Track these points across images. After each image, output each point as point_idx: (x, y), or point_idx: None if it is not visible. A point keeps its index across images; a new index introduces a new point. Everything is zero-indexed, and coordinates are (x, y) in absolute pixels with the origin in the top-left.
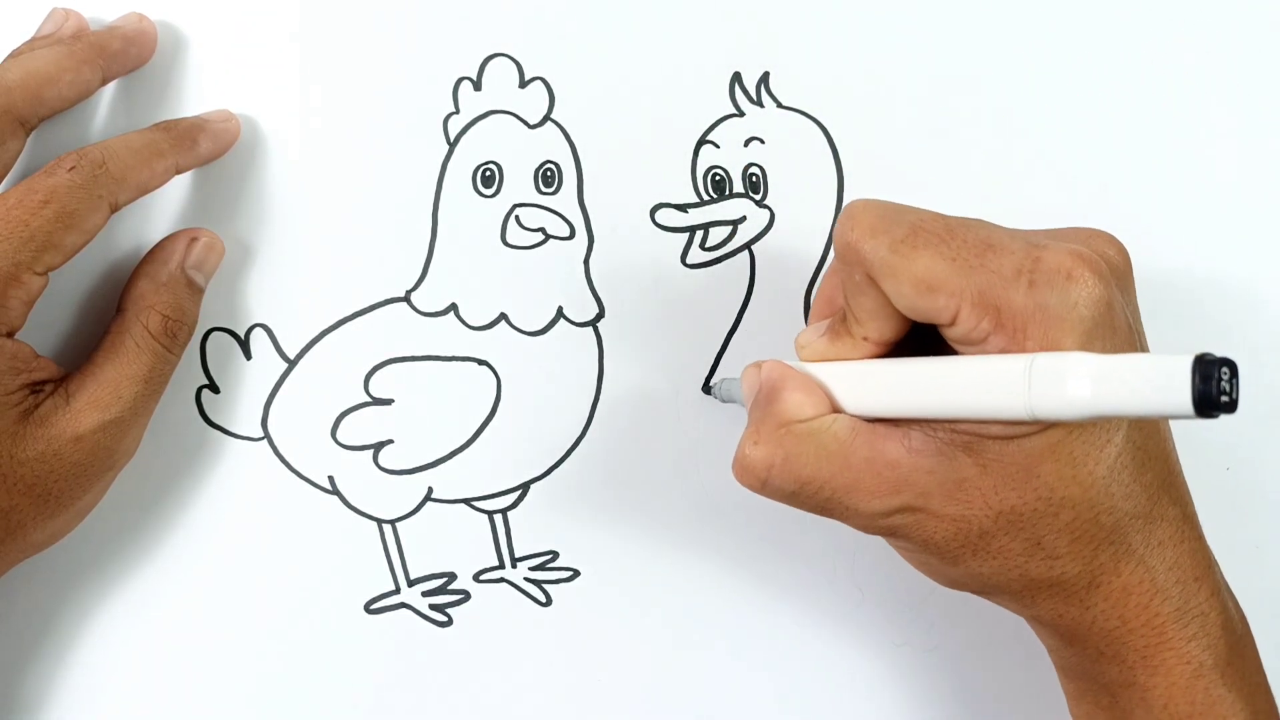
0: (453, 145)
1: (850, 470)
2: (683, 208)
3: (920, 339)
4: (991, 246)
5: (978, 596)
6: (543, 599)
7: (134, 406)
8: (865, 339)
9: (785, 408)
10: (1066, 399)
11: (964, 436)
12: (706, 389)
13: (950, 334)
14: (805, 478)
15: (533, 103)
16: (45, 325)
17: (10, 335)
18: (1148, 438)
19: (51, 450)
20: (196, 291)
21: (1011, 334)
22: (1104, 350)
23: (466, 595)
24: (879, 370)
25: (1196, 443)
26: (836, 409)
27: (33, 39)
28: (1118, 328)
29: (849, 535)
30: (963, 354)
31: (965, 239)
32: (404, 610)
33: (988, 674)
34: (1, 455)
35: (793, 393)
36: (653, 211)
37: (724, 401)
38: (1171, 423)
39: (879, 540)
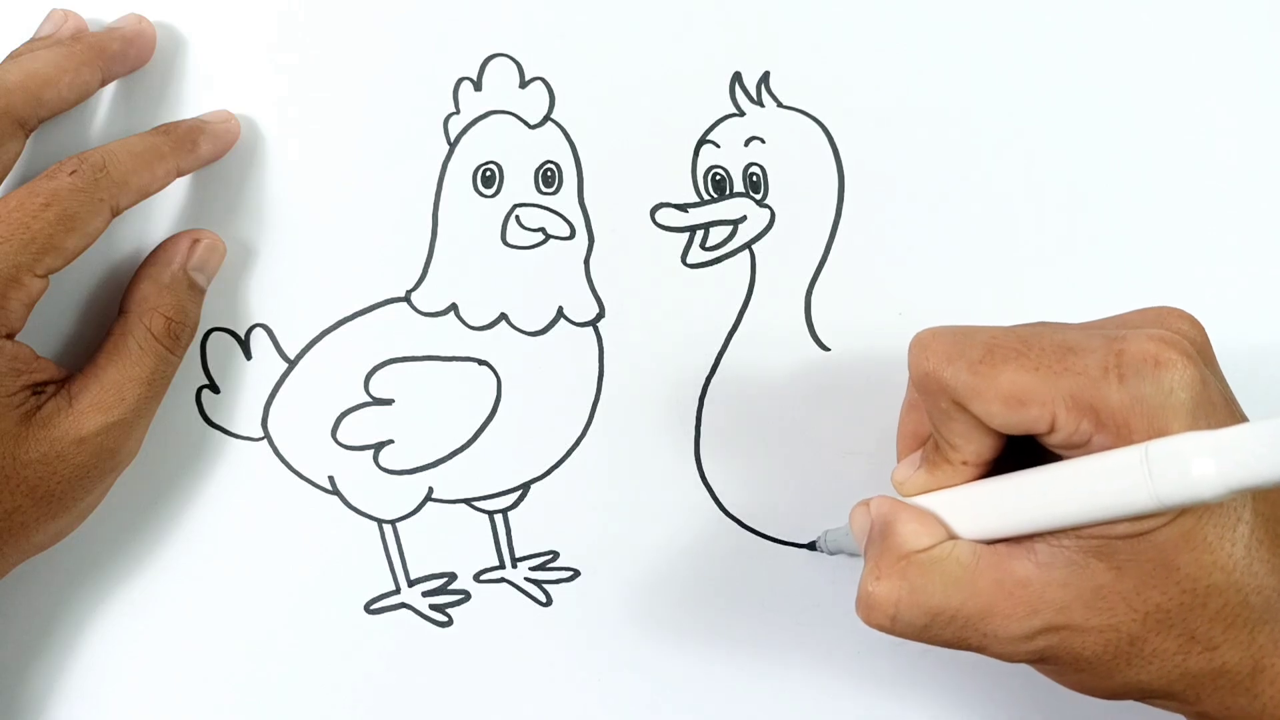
0: (453, 145)
1: (980, 595)
2: (683, 207)
3: (1020, 450)
4: (1071, 349)
5: (1141, 703)
6: (543, 599)
7: (137, 408)
8: (965, 463)
9: (903, 539)
10: (1192, 480)
11: (1092, 542)
12: (812, 546)
13: (1051, 441)
14: (935, 608)
15: (533, 103)
16: (47, 327)
17: (10, 337)
18: (1274, 507)
19: (54, 452)
20: (199, 293)
21: (1115, 431)
22: (1210, 429)
23: (467, 595)
24: (990, 490)
25: None
26: (953, 537)
27: (31, 40)
28: (1215, 403)
29: None
30: (1067, 459)
31: (1043, 347)
32: (404, 610)
33: (988, 675)
34: (4, 457)
35: (907, 523)
36: (653, 211)
37: (832, 554)
38: None
39: None
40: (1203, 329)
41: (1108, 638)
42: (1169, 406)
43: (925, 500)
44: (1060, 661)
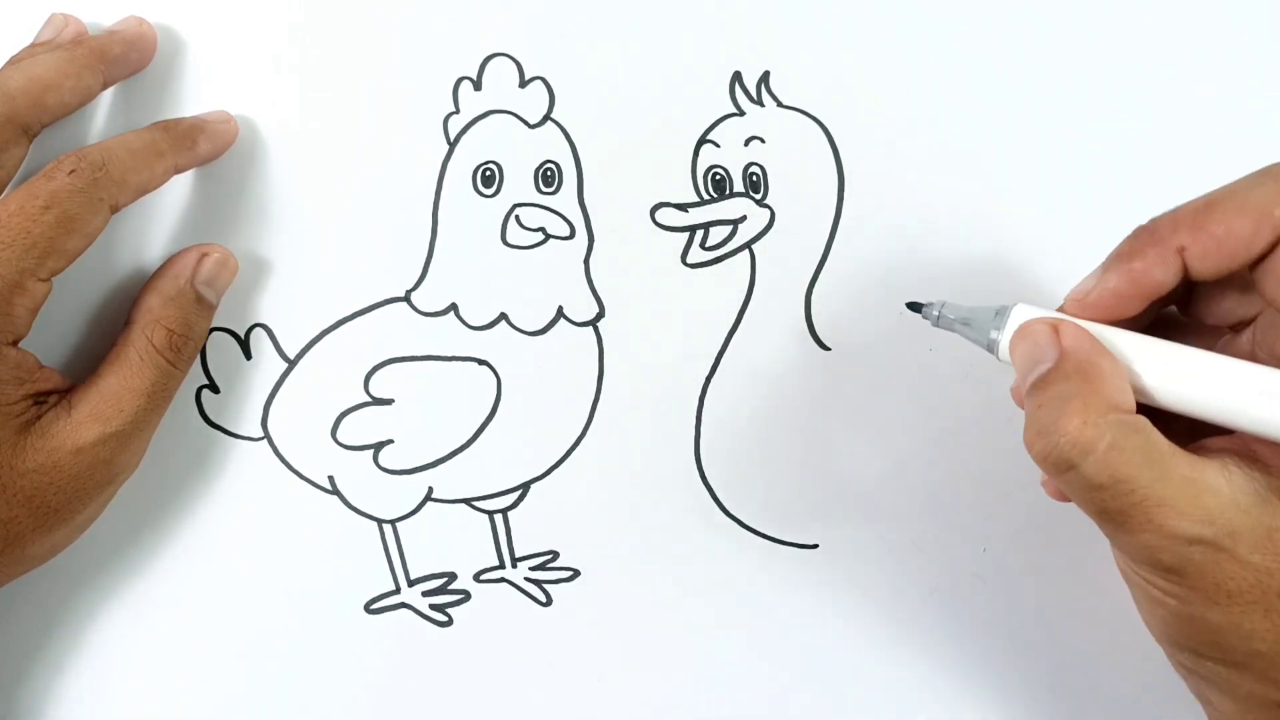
0: (453, 145)
1: (1169, 483)
2: (683, 207)
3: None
4: None
5: (1195, 676)
6: (543, 599)
7: (135, 420)
8: (1180, 250)
9: (1112, 391)
10: None
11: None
12: (915, 307)
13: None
14: (1123, 475)
15: (533, 102)
16: (54, 338)
17: (15, 343)
18: None
19: (51, 462)
20: (206, 307)
21: None
22: None
23: (467, 595)
24: (1198, 357)
25: None
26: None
27: (32, 45)
28: None
29: (848, 535)
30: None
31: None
32: (404, 610)
33: (988, 674)
34: (1, 466)
35: (1116, 376)
36: (653, 211)
37: (936, 324)
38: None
39: (878, 540)
40: None
41: (1260, 578)
42: None
43: (1120, 342)
44: (1198, 581)
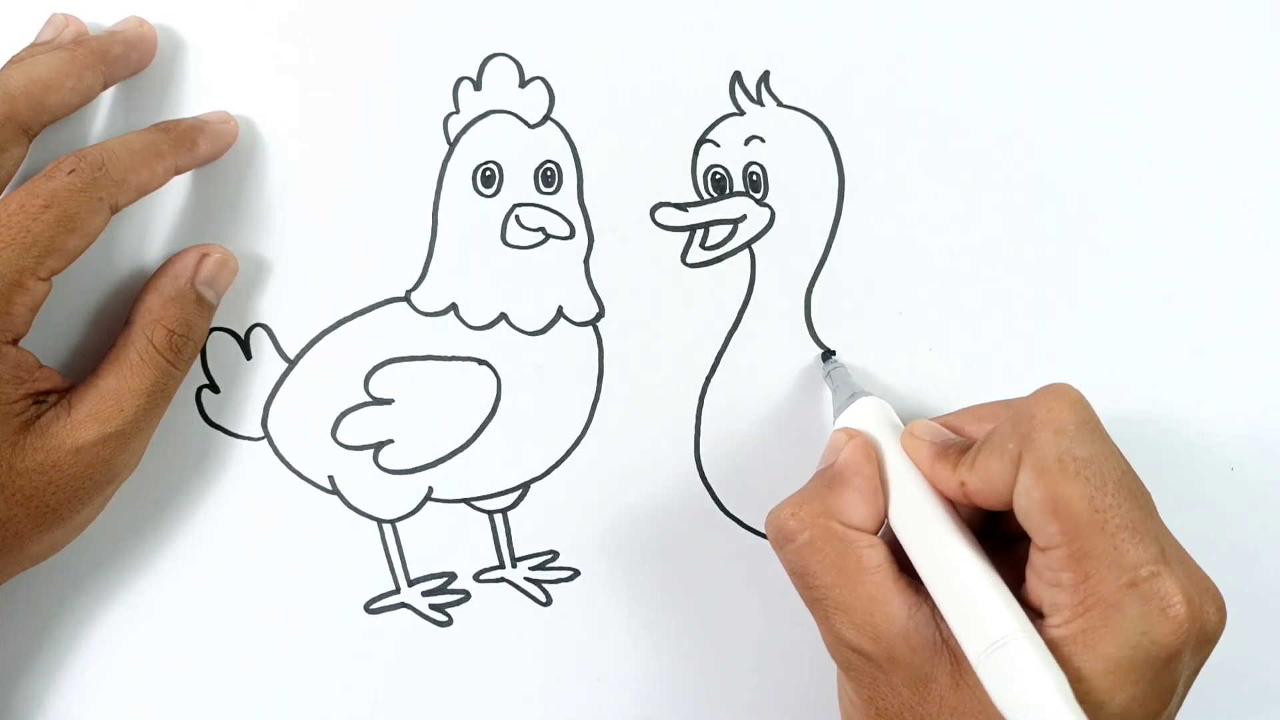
0: (453, 145)
1: (851, 594)
2: (683, 206)
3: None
4: (1136, 532)
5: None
6: (543, 599)
7: (135, 420)
8: (962, 484)
9: (837, 504)
10: (1006, 703)
11: (960, 650)
12: (825, 357)
13: (1035, 544)
14: (811, 572)
15: (533, 102)
16: (55, 338)
17: (15, 342)
18: None
19: (50, 461)
20: (206, 308)
21: (1079, 602)
22: (1132, 686)
23: (466, 595)
24: (932, 521)
25: (1201, 442)
26: (884, 517)
27: (33, 45)
28: (1160, 682)
29: None
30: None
31: (1124, 512)
32: (404, 610)
33: None
34: (1, 465)
35: (852, 493)
36: (653, 211)
37: (824, 378)
38: (1172, 412)
39: None
40: (1224, 620)
41: (909, 711)
42: (1126, 638)
43: (896, 469)
44: (859, 687)
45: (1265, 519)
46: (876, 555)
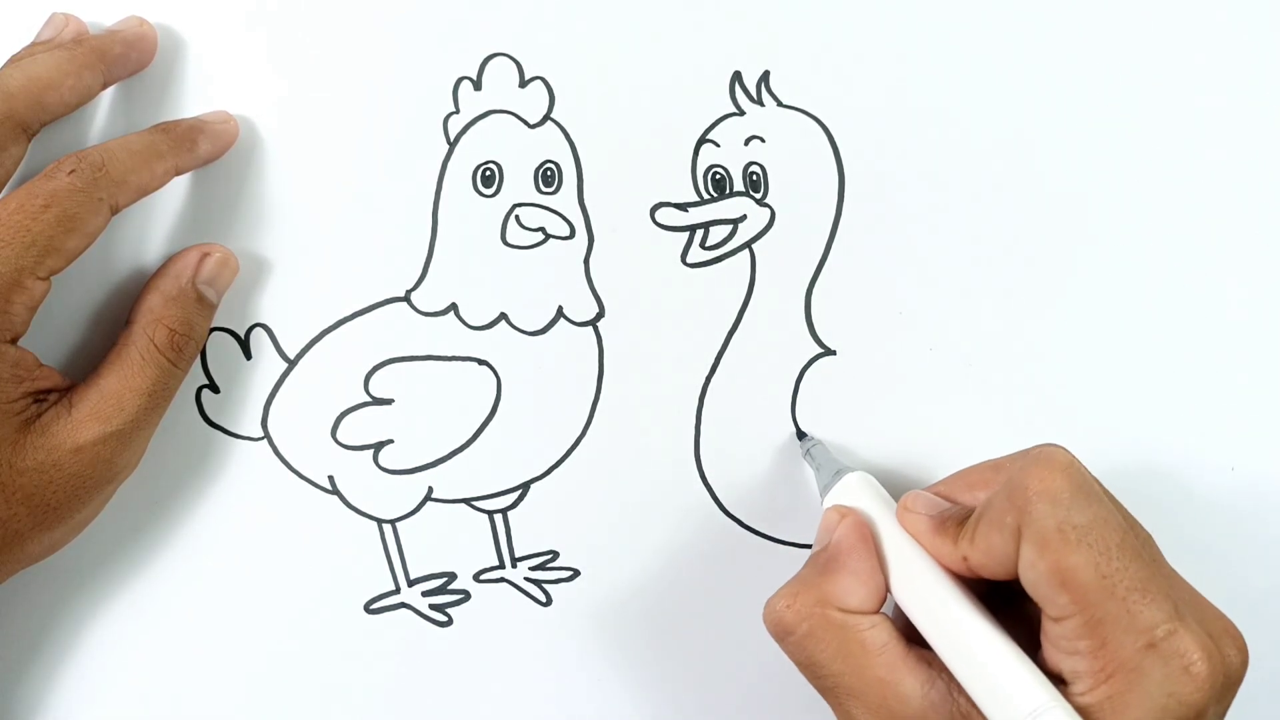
0: (453, 145)
1: (861, 680)
2: (683, 206)
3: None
4: (1146, 591)
5: None
6: (543, 599)
7: (136, 419)
8: (964, 559)
9: (833, 590)
10: None
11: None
12: (800, 437)
13: (1046, 614)
14: (817, 662)
15: (533, 102)
16: (55, 337)
17: (14, 342)
18: None
19: (51, 460)
20: (207, 307)
21: (1099, 669)
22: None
23: (466, 595)
24: (944, 596)
25: (1201, 442)
26: (885, 594)
27: (32, 44)
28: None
29: None
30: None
31: (1131, 573)
32: (404, 610)
33: None
34: (1, 464)
35: (848, 577)
36: (653, 210)
37: (804, 456)
38: (1172, 412)
39: None
40: (1247, 660)
41: None
42: (1154, 701)
43: (892, 543)
44: None
45: (1265, 519)
46: (880, 635)
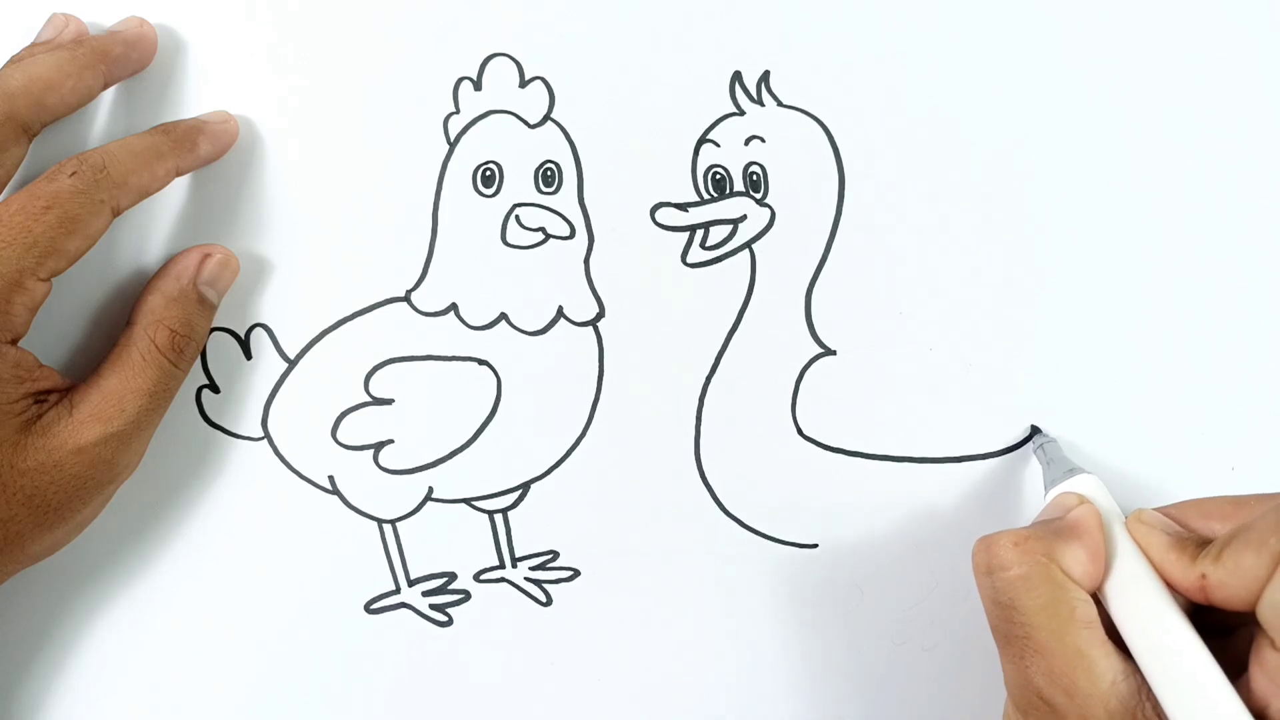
0: (453, 145)
1: (1059, 642)
2: (683, 206)
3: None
4: None
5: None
6: (543, 599)
7: (136, 420)
8: (1203, 576)
9: (1063, 550)
10: None
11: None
12: (1033, 434)
13: (1276, 644)
14: (1019, 607)
15: (533, 102)
16: (56, 338)
17: (14, 342)
18: None
19: (52, 461)
20: (208, 308)
21: None
22: None
23: (467, 595)
24: (1160, 608)
25: (1201, 442)
26: (1101, 582)
27: (33, 44)
28: None
29: (850, 534)
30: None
31: None
32: (404, 610)
33: (987, 674)
34: (2, 464)
35: (1079, 550)
36: (653, 210)
37: (1034, 451)
38: (1172, 412)
39: (879, 541)
40: None
41: None
42: None
43: (1122, 544)
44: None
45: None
46: (1091, 611)
